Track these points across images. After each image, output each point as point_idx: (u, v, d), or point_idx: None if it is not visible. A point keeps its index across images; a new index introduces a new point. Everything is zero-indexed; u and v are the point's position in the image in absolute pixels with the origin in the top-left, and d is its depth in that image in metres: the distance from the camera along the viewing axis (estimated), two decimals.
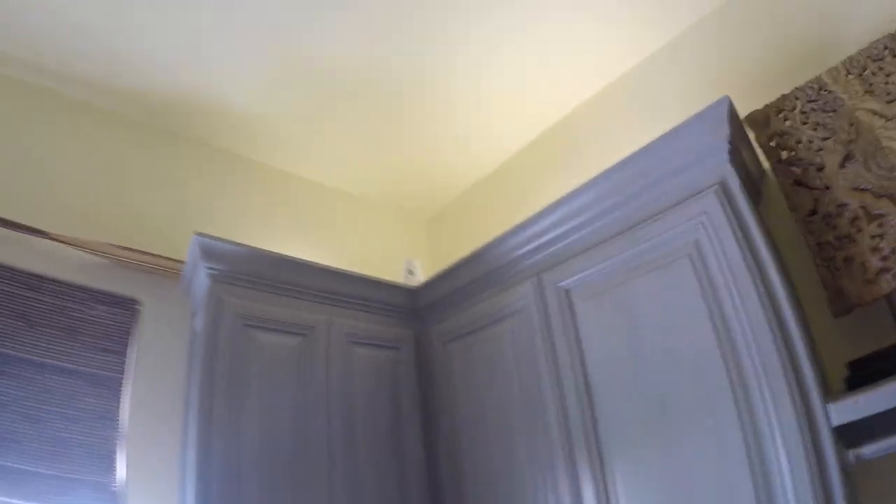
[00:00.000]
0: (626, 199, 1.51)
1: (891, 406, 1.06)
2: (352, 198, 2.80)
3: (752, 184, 1.50)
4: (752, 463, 1.17)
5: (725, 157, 1.34)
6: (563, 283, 1.62)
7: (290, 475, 1.63)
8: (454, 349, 1.96)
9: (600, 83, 2.26)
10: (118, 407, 1.83)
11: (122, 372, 1.87)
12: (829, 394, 1.20)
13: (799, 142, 1.42)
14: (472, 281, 1.92)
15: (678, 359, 1.33)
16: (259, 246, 2.04)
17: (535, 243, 1.72)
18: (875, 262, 1.28)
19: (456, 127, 2.40)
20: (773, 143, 1.47)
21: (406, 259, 2.28)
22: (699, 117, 1.38)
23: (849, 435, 1.14)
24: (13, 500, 1.60)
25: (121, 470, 1.75)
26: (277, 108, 2.28)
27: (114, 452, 1.76)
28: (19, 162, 1.92)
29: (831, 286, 1.34)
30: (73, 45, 1.91)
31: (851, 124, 1.35)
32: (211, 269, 1.71)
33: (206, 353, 1.61)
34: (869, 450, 1.11)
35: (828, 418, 1.11)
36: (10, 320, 1.73)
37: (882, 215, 1.27)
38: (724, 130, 1.34)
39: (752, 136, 1.52)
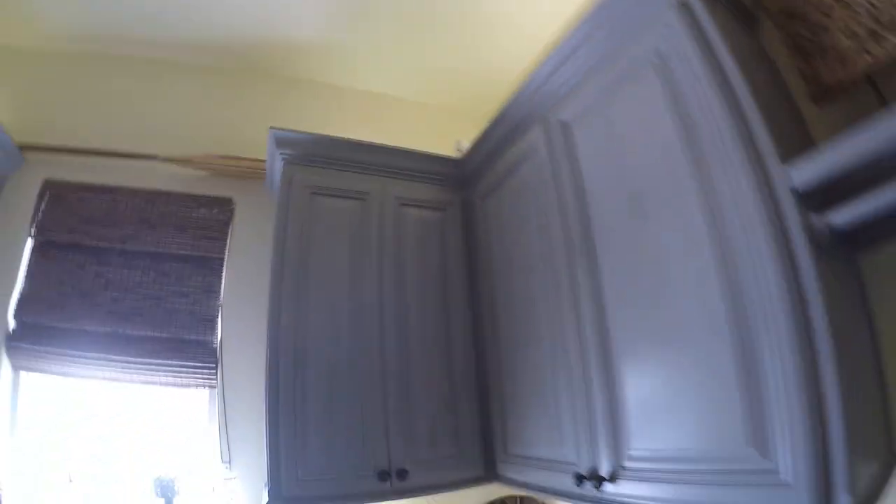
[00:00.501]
0: (605, 34, 1.51)
1: (854, 158, 0.99)
2: (412, 104, 3.00)
3: (738, 5, 1.42)
4: (715, 242, 1.15)
5: None
6: (562, 118, 1.66)
7: (346, 319, 1.87)
8: (489, 204, 2.08)
9: None
10: (219, 283, 2.20)
11: (222, 254, 2.24)
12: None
13: None
14: (499, 139, 2.00)
15: (649, 159, 1.34)
16: None
17: (542, 90, 1.75)
18: (849, 45, 1.19)
19: (490, 26, 2.49)
20: None
21: (456, 139, 2.41)
22: None
23: (825, 203, 1.06)
24: (142, 359, 2.04)
25: (219, 331, 2.14)
26: (340, 34, 2.50)
27: (215, 318, 2.15)
28: (134, 108, 2.39)
29: (809, 75, 1.27)
30: (164, 17, 2.32)
31: None
32: (283, 153, 2.00)
33: (280, 219, 1.91)
34: (841, 215, 1.03)
35: (789, 181, 1.05)
36: (134, 225, 2.17)
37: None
38: None
39: None
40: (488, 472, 1.92)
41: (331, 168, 2.06)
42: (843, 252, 1.24)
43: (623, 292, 1.40)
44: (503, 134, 1.98)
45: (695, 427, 1.16)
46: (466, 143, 2.25)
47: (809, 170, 1.03)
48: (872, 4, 1.14)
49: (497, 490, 2.31)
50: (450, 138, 2.54)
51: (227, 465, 1.98)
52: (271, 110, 2.59)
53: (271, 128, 2.00)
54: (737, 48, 1.23)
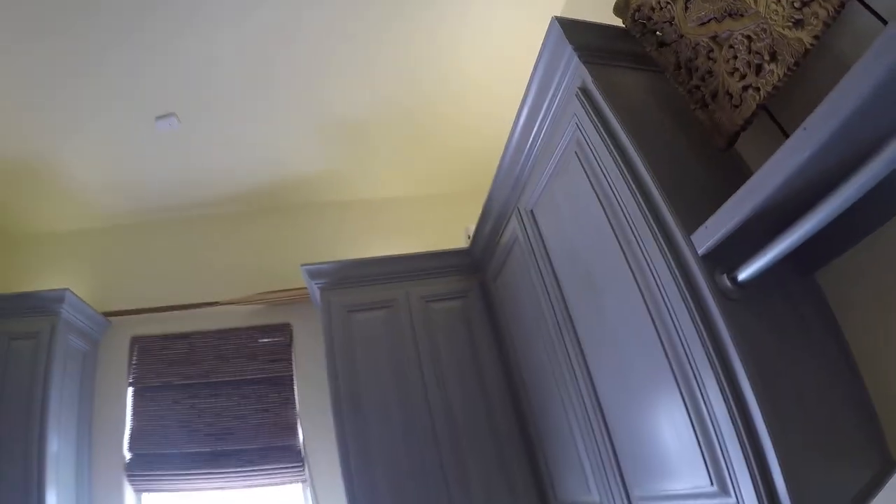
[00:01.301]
0: (539, 126, 1.65)
1: (738, 219, 1.07)
2: (414, 199, 3.24)
3: (650, 62, 1.50)
4: (650, 308, 1.24)
5: (577, 62, 1.39)
6: (528, 206, 1.80)
7: (396, 407, 2.10)
8: (499, 285, 2.24)
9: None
10: (293, 395, 2.52)
11: (290, 371, 2.57)
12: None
13: (653, 8, 1.39)
14: (492, 228, 2.16)
15: (589, 239, 1.46)
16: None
17: (508, 181, 1.90)
18: (736, 85, 1.23)
19: (467, 115, 2.69)
20: (637, 20, 1.45)
21: (466, 227, 2.58)
22: (543, 47, 1.48)
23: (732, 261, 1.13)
24: (239, 468, 2.37)
25: (301, 436, 2.44)
26: (333, 159, 2.82)
27: (295, 425, 2.46)
28: (192, 262, 2.82)
29: (709, 124, 1.31)
30: (199, 180, 2.74)
31: None
32: (318, 283, 2.30)
33: (327, 338, 2.20)
34: (743, 271, 1.10)
35: (693, 249, 1.14)
36: (213, 360, 2.56)
37: (730, 36, 1.22)
38: (564, 43, 1.40)
39: (622, 23, 1.52)
40: None
41: (359, 286, 2.32)
42: (789, 282, 1.30)
43: (598, 355, 1.51)
44: (493, 222, 2.14)
45: (672, 468, 1.24)
46: (474, 227, 2.43)
47: (706, 237, 1.11)
48: (748, 37, 1.18)
49: None
50: (460, 224, 2.74)
51: None
52: (301, 237, 2.95)
53: (302, 265, 2.30)
54: (639, 119, 1.32)
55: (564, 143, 1.52)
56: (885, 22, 1.02)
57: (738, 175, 1.36)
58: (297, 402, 2.52)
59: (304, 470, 2.39)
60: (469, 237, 2.46)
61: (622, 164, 1.28)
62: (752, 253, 1.09)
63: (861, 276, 1.23)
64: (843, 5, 1.02)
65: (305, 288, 2.55)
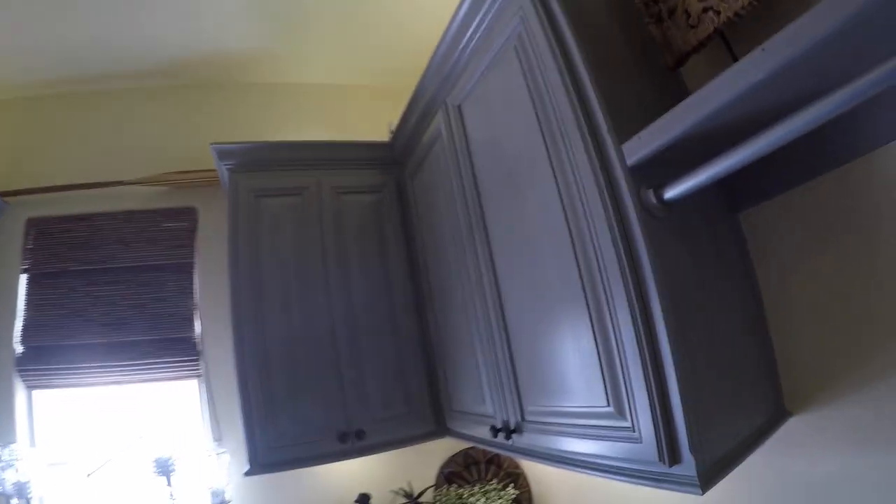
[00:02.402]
0: (482, 16, 1.46)
1: (675, 134, 0.99)
2: (341, 88, 2.96)
3: None
4: (568, 215, 1.16)
5: None
6: (456, 101, 1.65)
7: (298, 304, 1.98)
8: (416, 183, 2.09)
9: None
10: (192, 285, 2.30)
11: (191, 259, 2.34)
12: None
13: None
14: (416, 122, 1.98)
15: (517, 139, 1.34)
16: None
17: (440, 77, 1.73)
18: (696, 4, 1.12)
19: (409, 11, 2.45)
20: None
21: (389, 121, 2.38)
22: None
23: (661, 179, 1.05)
24: (136, 361, 2.18)
25: (197, 328, 2.26)
26: (266, 38, 2.50)
27: (192, 316, 2.26)
28: (97, 140, 2.47)
29: (661, 40, 1.20)
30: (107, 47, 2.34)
31: None
32: (227, 164, 2.05)
33: (231, 222, 2.00)
34: (671, 190, 1.02)
35: (622, 159, 1.04)
36: (115, 245, 2.28)
37: None
38: None
39: None
40: (439, 428, 2.01)
41: (270, 170, 2.09)
42: (714, 216, 1.25)
43: (510, 263, 1.42)
44: (418, 117, 1.95)
45: (571, 387, 1.20)
46: (398, 122, 2.25)
47: (638, 148, 1.02)
48: None
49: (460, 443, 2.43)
50: (385, 119, 2.51)
51: (218, 441, 2.15)
52: (217, 119, 2.62)
53: (211, 144, 2.03)
54: (588, 22, 1.19)
55: (504, 37, 1.36)
56: None
57: (678, 97, 1.28)
58: (195, 291, 2.31)
59: (199, 364, 2.23)
60: (391, 132, 2.28)
61: (562, 64, 1.16)
62: (682, 175, 1.01)
63: (785, 226, 1.20)
64: None
65: (215, 170, 2.30)
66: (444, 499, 2.19)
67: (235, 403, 1.89)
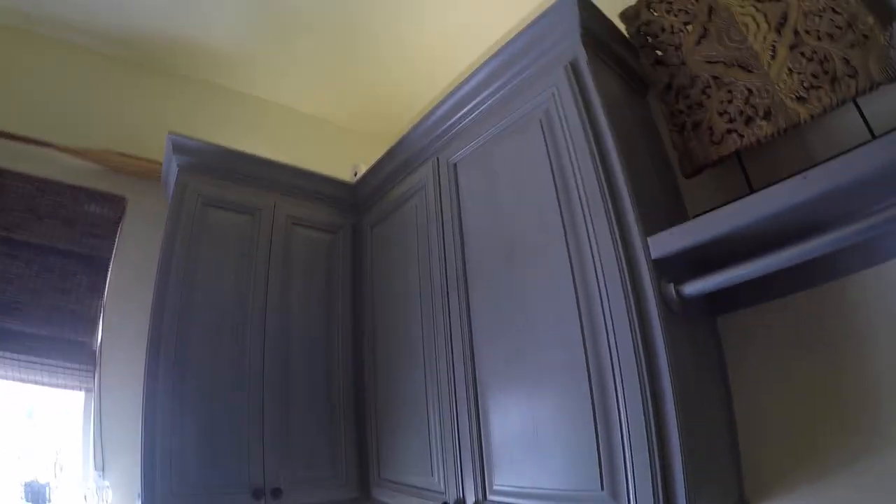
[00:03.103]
0: (501, 84, 1.51)
1: (702, 237, 1.06)
2: (315, 121, 2.86)
3: (634, 76, 1.51)
4: (580, 297, 1.16)
5: (577, 38, 1.31)
6: (452, 159, 1.64)
7: (229, 333, 1.75)
8: (378, 233, 2.01)
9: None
10: (103, 283, 1.98)
11: (109, 254, 2.02)
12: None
13: (663, 29, 1.37)
14: (393, 171, 1.94)
15: (527, 210, 1.35)
16: None
17: (436, 131, 1.73)
18: (722, 125, 1.24)
19: (405, 49, 2.41)
20: (641, 33, 1.43)
21: (354, 164, 2.33)
22: (552, 8, 1.37)
23: (681, 274, 1.11)
24: (17, 355, 1.80)
25: (100, 333, 1.91)
26: (250, 42, 2.35)
27: (97, 319, 1.92)
28: (33, 89, 2.10)
29: (681, 149, 1.31)
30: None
31: (711, 8, 1.34)
32: (180, 160, 1.85)
33: (170, 225, 1.77)
34: (692, 286, 1.08)
35: (647, 251, 1.09)
36: (21, 213, 1.91)
37: (732, 83, 1.23)
38: (575, 16, 1.31)
39: (624, 29, 1.49)
40: (364, 496, 1.84)
41: (226, 180, 1.92)
42: (701, 317, 1.30)
43: (492, 332, 1.39)
44: (397, 166, 1.92)
45: (555, 469, 1.16)
46: (364, 169, 2.19)
47: (666, 243, 1.07)
48: (749, 91, 1.20)
49: None
50: (349, 161, 2.44)
51: (100, 472, 1.79)
52: (173, 110, 2.39)
53: (169, 133, 1.84)
54: (617, 115, 1.26)
55: (528, 109, 1.41)
56: (871, 130, 1.09)
57: (679, 204, 1.41)
58: (105, 292, 2.00)
59: (94, 376, 1.88)
60: (355, 176, 2.22)
61: (594, 147, 1.22)
62: (702, 274, 1.08)
63: (758, 333, 1.28)
64: (844, 102, 1.07)
65: (159, 163, 2.07)
66: None
67: (128, 430, 1.63)
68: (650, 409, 1.01)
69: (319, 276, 2.03)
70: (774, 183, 0.94)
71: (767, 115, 1.18)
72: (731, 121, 1.24)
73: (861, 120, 1.08)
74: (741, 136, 1.22)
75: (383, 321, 1.88)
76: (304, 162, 2.17)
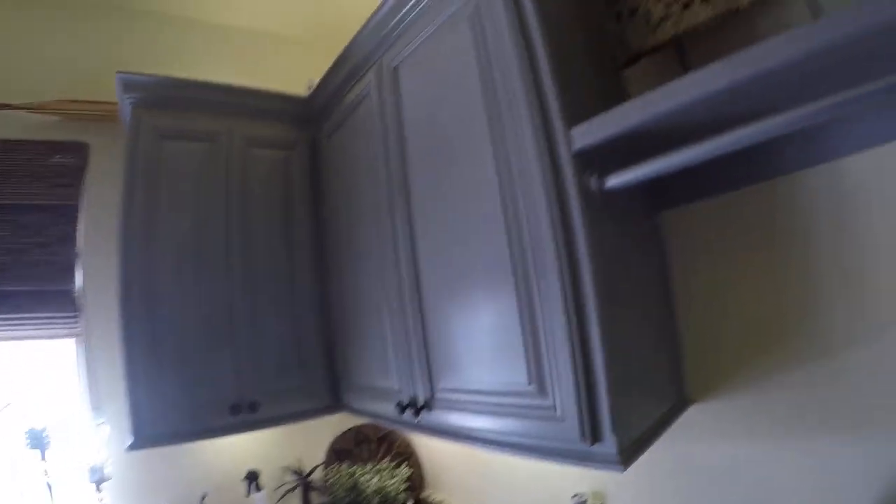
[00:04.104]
0: None
1: (625, 126, 0.98)
2: (268, 38, 2.73)
3: None
4: (503, 193, 1.12)
5: None
6: (392, 62, 1.55)
7: (194, 260, 1.77)
8: (333, 144, 1.94)
9: None
10: (75, 230, 2.00)
11: (77, 201, 2.03)
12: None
13: None
14: (343, 80, 1.84)
15: (457, 109, 1.27)
16: None
17: (379, 34, 1.59)
18: (659, 10, 1.15)
19: None
20: None
21: (309, 78, 2.20)
22: None
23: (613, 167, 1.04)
24: (7, 315, 1.85)
25: (78, 280, 1.97)
26: None
27: (73, 266, 1.96)
28: None
29: (617, 37, 1.22)
30: None
31: None
32: (131, 97, 1.80)
33: (128, 164, 1.75)
34: (613, 179, 1.02)
35: (569, 143, 1.03)
36: None
37: None
38: None
39: None
40: (336, 402, 1.91)
41: (179, 110, 1.87)
42: (641, 212, 1.27)
43: (431, 235, 1.36)
44: (347, 73, 1.82)
45: (489, 365, 1.17)
46: (318, 81, 2.09)
47: (587, 134, 1.01)
48: None
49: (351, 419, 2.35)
50: (305, 75, 2.31)
51: (97, 411, 1.89)
52: (128, 48, 2.30)
53: (118, 72, 1.78)
54: (550, 6, 1.15)
55: (459, 4, 1.29)
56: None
57: (620, 97, 1.30)
58: (79, 238, 2.01)
59: (79, 322, 1.94)
60: (310, 88, 2.11)
61: (520, 41, 1.12)
62: (625, 167, 1.01)
63: (702, 230, 1.25)
64: None
65: (115, 104, 2.01)
66: (335, 477, 2.09)
67: (118, 368, 1.68)
68: (570, 302, 0.99)
69: (279, 192, 2.01)
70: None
71: (706, 0, 1.07)
72: (668, 6, 1.14)
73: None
74: (676, 22, 1.13)
75: (343, 232, 1.87)
76: (266, 83, 2.09)
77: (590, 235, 0.99)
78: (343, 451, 2.34)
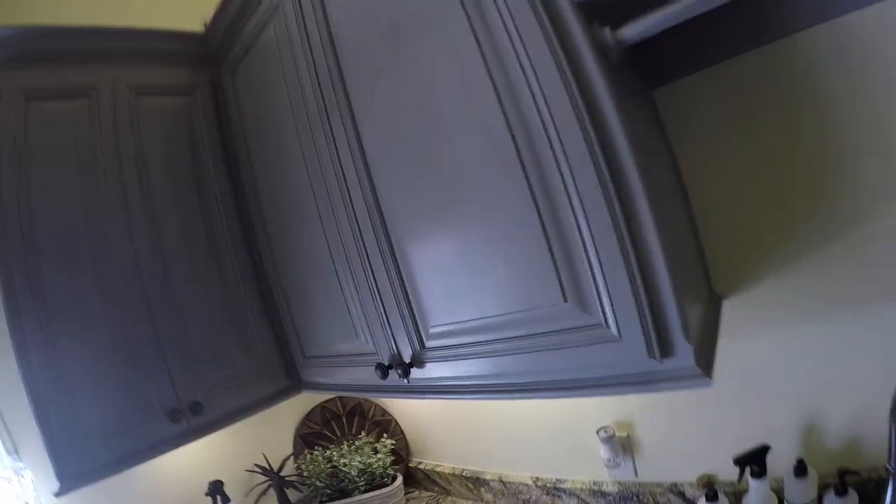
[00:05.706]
0: None
1: None
2: None
3: None
4: (486, 58, 0.83)
5: None
6: None
7: (87, 242, 1.37)
8: (239, 79, 1.56)
9: None
10: None
11: None
12: None
13: None
14: (241, 5, 1.43)
15: None
16: None
17: None
18: None
19: None
20: None
21: (203, 15, 1.79)
22: None
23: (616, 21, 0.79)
24: None
25: None
26: None
27: None
28: None
29: None
30: None
31: None
32: None
33: None
34: (632, 28, 0.77)
35: None
36: None
37: None
38: None
39: None
40: (293, 382, 1.62)
41: (48, 65, 1.41)
42: (638, 83, 1.04)
43: (390, 152, 1.06)
44: None
45: (499, 291, 0.92)
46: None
47: None
48: None
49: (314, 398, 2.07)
50: (201, 13, 1.90)
51: (15, 455, 1.47)
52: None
53: None
54: None
55: None
56: None
57: None
58: None
59: None
60: (206, 24, 1.67)
61: None
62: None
63: (700, 105, 1.08)
64: None
65: None
66: (311, 466, 1.79)
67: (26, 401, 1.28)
68: (613, 194, 0.74)
69: (181, 146, 1.60)
70: None
71: None
72: None
73: None
74: None
75: (267, 183, 1.52)
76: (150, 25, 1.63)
77: (618, 101, 0.73)
78: (311, 434, 2.05)
